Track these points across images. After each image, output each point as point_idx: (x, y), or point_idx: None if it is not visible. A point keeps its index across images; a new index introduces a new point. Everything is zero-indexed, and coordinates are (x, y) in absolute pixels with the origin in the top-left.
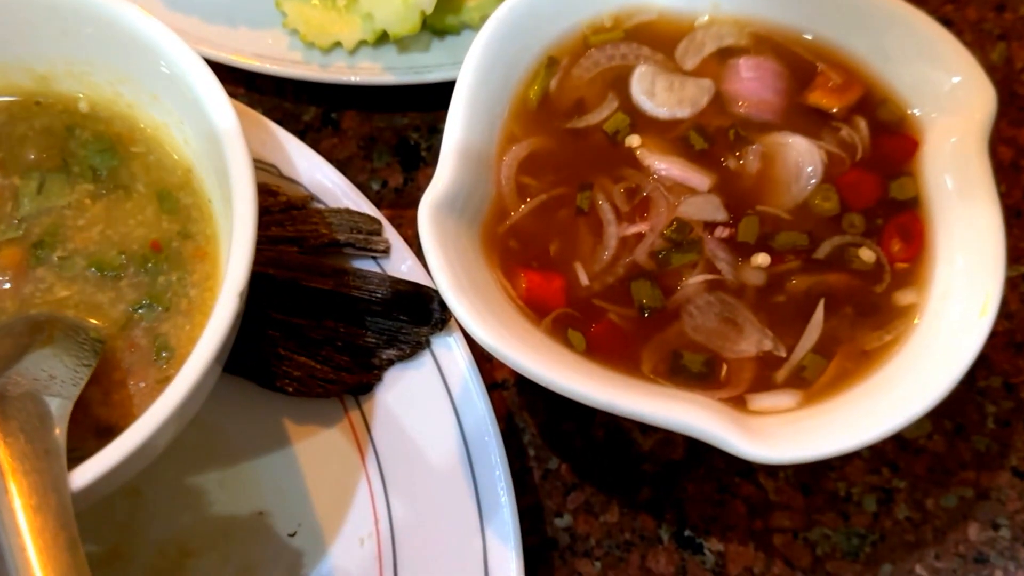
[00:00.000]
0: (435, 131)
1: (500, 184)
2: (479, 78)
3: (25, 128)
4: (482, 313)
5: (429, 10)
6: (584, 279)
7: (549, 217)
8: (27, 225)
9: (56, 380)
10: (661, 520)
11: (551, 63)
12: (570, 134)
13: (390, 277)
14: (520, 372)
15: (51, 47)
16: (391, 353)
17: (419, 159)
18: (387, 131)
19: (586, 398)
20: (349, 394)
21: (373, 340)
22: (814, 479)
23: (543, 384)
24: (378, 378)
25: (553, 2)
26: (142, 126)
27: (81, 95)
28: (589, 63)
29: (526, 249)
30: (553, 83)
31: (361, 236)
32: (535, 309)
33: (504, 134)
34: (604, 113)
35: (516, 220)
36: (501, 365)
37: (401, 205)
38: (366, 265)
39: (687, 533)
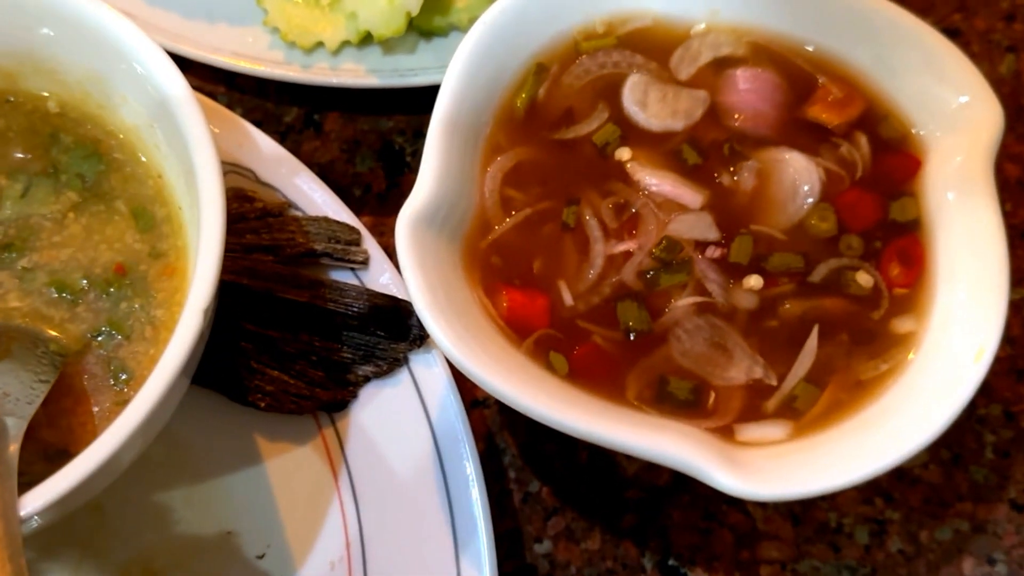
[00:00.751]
0: (421, 135)
1: (483, 196)
2: (464, 84)
3: (3, 126)
4: (460, 334)
5: (415, 12)
6: (568, 299)
7: (533, 232)
8: (3, 228)
9: (10, 397)
10: (645, 548)
11: (540, 70)
12: (558, 145)
13: (368, 290)
14: (498, 398)
15: (16, 43)
16: (367, 369)
17: (404, 164)
18: (371, 134)
19: (565, 427)
20: (323, 411)
21: (349, 355)
22: (804, 509)
23: (521, 411)
24: (353, 395)
25: (544, 6)
26: (112, 128)
27: (47, 93)
28: (580, 71)
29: (509, 266)
30: (541, 91)
31: (339, 246)
32: (517, 329)
33: (489, 144)
34: (594, 124)
35: (499, 235)
36: None
37: (384, 212)
38: (344, 276)
39: (671, 562)
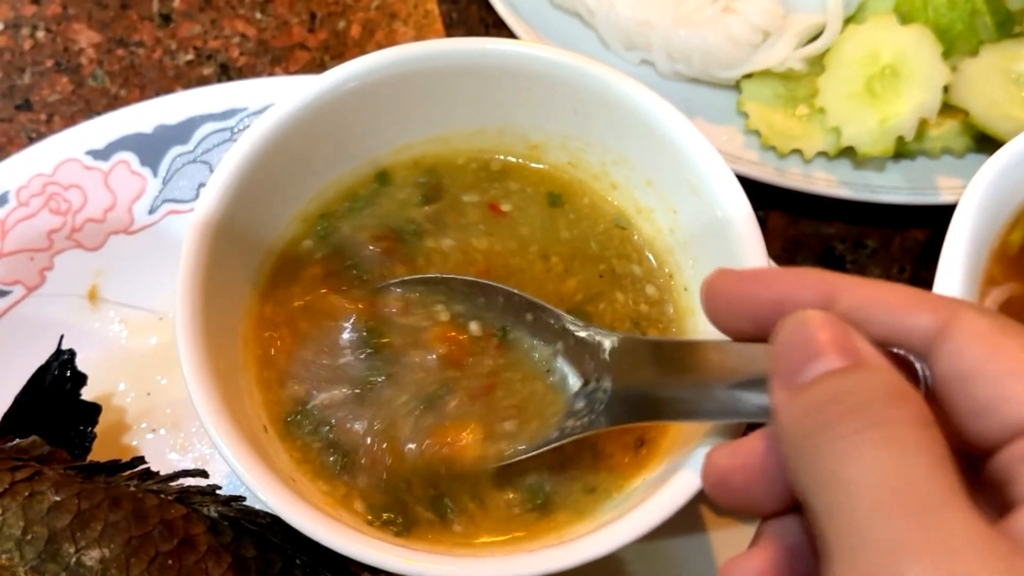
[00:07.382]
0: (861, 245)
1: None
2: (974, 219)
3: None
4: None
5: (909, 137)
6: None
7: None
8: None
9: None
10: None
11: None
12: None
13: None
14: None
15: (557, 123)
16: None
17: (843, 270)
18: (812, 238)
19: None
20: None
21: None
22: None
23: None
24: None
25: None
26: (618, 204)
27: (566, 163)
28: None
29: None
30: None
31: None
32: None
33: (985, 276)
34: None
35: None
36: None
37: None
38: None
39: None
